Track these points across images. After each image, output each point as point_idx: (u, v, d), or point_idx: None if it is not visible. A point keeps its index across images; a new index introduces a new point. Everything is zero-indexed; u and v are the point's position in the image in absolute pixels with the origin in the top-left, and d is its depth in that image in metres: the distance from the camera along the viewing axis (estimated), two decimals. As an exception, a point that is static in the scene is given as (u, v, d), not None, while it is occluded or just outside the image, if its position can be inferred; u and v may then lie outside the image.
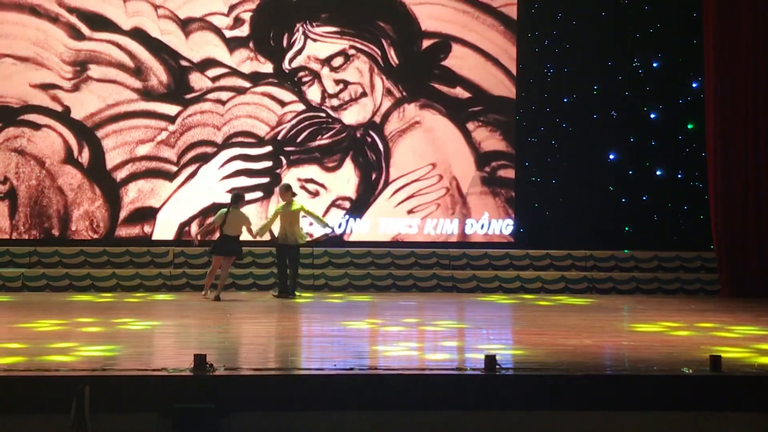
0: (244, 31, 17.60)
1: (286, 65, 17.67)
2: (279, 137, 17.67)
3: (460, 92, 17.96)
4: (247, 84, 17.61)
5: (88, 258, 16.81)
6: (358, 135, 17.85)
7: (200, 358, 8.03)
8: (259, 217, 17.08)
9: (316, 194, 17.69)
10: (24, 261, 16.69)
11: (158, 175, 17.51)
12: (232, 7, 17.54)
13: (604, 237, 17.80)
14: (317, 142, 17.76)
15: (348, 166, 17.84)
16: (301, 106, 17.73)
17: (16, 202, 17.21)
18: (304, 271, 16.56)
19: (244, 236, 15.12)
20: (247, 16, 17.56)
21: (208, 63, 17.55)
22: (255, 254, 16.84)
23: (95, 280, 16.31)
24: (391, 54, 17.89)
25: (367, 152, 17.87)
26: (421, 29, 17.93)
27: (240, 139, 17.65)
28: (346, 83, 17.82)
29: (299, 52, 17.67)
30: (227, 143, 17.62)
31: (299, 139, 17.73)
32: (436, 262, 17.31)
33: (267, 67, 17.65)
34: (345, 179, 17.82)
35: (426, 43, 17.95)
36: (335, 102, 17.80)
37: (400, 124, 17.91)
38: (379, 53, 17.86)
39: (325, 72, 17.72)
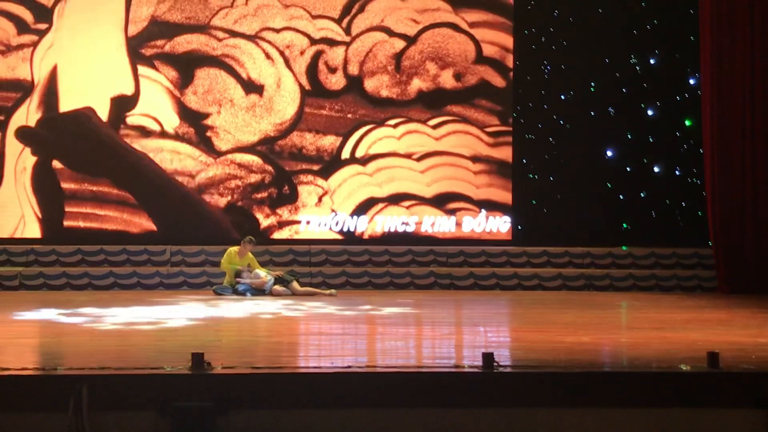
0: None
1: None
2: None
3: (457, 87, 17.94)
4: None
5: (85, 257, 16.80)
6: (356, 132, 17.90)
7: (198, 357, 8.03)
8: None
9: (315, 191, 17.72)
10: (21, 260, 16.68)
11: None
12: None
13: (601, 234, 17.80)
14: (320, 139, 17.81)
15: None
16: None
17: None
18: (301, 269, 16.60)
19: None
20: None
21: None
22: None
23: (92, 279, 16.30)
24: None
25: (365, 150, 17.93)
26: (418, 23, 17.94)
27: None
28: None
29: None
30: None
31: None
32: (434, 260, 17.32)
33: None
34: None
35: (424, 37, 17.93)
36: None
37: (395, 122, 17.91)
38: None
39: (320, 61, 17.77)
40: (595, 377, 8.23)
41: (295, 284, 15.64)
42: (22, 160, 17.23)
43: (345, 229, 17.77)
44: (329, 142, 17.82)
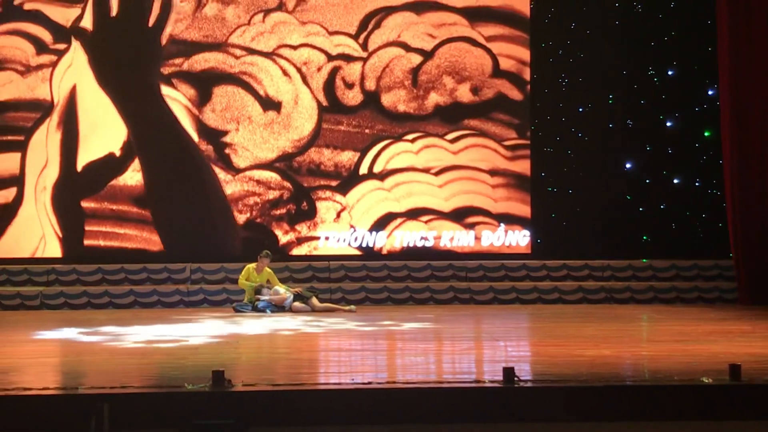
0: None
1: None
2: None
3: (474, 101, 17.94)
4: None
5: (106, 275, 16.85)
6: (373, 148, 17.94)
7: (218, 374, 8.04)
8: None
9: (334, 207, 17.74)
10: (42, 279, 16.74)
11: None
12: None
13: (621, 246, 17.74)
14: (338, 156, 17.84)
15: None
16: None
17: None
18: (320, 285, 16.60)
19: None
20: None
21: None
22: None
23: (113, 297, 16.35)
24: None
25: (383, 165, 17.95)
26: (434, 38, 17.95)
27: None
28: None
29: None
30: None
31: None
32: (453, 275, 17.28)
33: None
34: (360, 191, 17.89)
35: (441, 52, 17.94)
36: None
37: (412, 137, 17.92)
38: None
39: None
40: (616, 391, 8.20)
41: (314, 300, 15.65)
42: (42, 179, 17.32)
43: (364, 245, 17.77)
44: (347, 157, 17.84)
